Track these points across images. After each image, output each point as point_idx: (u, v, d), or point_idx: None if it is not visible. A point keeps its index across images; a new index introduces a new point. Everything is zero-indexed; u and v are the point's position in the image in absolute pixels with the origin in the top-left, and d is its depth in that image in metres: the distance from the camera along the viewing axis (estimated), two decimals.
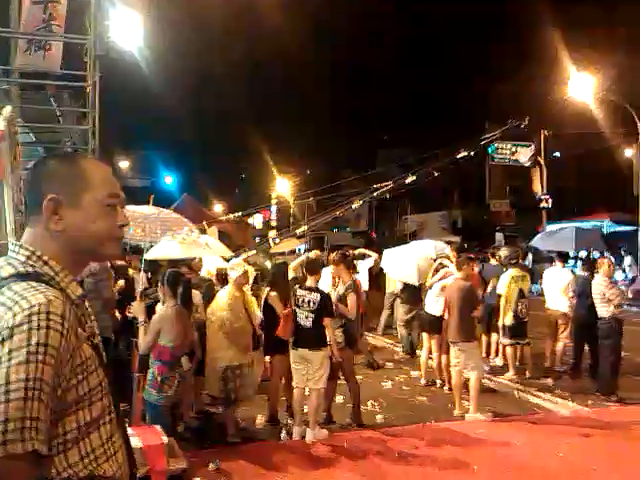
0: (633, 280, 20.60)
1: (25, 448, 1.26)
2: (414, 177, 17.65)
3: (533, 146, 23.11)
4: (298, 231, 15.47)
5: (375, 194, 21.44)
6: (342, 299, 7.12)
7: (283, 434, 6.67)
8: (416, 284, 9.96)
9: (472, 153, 20.10)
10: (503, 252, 10.28)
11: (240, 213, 19.85)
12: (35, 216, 1.55)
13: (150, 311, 6.46)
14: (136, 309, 5.97)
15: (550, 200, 24.00)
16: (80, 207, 1.56)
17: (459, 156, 18.42)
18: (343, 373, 7.22)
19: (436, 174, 18.69)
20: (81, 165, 1.61)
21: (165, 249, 8.13)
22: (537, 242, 15.14)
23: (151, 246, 8.00)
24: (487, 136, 26.17)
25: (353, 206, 23.89)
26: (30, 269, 1.48)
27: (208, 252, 8.66)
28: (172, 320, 5.54)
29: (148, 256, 8.08)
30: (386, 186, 19.01)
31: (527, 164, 23.36)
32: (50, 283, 1.46)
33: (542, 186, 23.35)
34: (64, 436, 1.41)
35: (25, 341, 1.31)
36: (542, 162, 24.20)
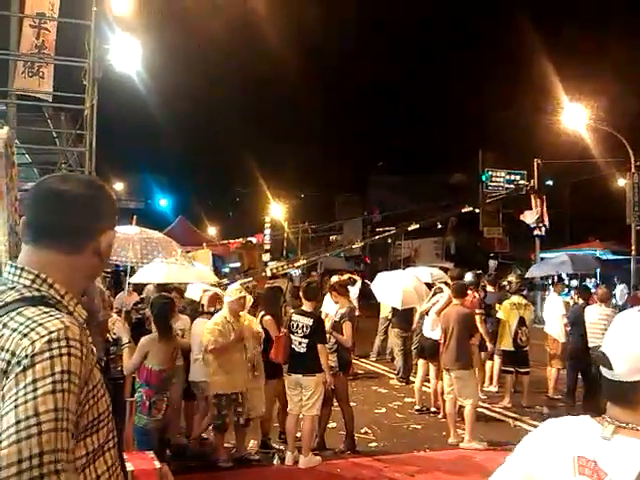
0: (623, 308, 20.64)
1: (59, 479, 1.23)
2: (417, 225, 17.99)
3: (539, 208, 23.40)
4: (297, 264, 15.43)
5: (377, 237, 21.91)
6: (337, 327, 7.09)
7: (276, 460, 6.59)
8: (399, 308, 9.99)
9: (476, 210, 20.41)
10: (513, 280, 10.36)
11: (242, 239, 19.89)
12: (60, 242, 1.51)
13: (138, 327, 6.48)
14: (120, 329, 5.93)
15: (544, 228, 24.11)
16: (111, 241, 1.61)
17: (464, 210, 18.68)
18: (337, 398, 7.16)
19: (439, 226, 19.02)
20: (112, 196, 1.64)
21: (151, 273, 8.07)
22: (533, 272, 15.40)
23: (134, 268, 7.96)
24: (492, 195, 26.62)
25: (354, 246, 24.18)
26: (36, 293, 1.44)
27: (194, 278, 8.54)
28: (159, 344, 5.56)
29: (134, 280, 8.04)
30: (389, 231, 19.37)
31: (533, 225, 23.73)
32: (57, 307, 1.43)
33: (539, 214, 23.48)
34: (73, 464, 1.36)
35: (49, 370, 1.28)
36: (536, 186, 24.34)
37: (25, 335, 1.32)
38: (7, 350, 1.31)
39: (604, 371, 1.45)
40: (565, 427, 1.50)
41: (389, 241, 38.30)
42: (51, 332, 1.32)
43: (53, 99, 10.24)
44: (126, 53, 11.93)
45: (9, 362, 1.29)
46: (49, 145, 11.49)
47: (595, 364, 1.50)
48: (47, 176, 1.68)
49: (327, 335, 6.87)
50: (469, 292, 9.06)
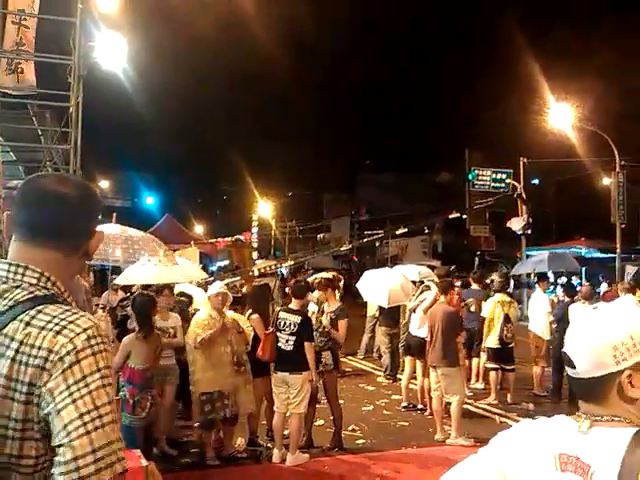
0: None
1: (123, 467, 1.33)
2: (405, 229, 18.24)
3: (526, 215, 23.55)
4: (285, 264, 15.38)
5: (365, 240, 22.25)
6: (333, 323, 7.11)
7: (263, 457, 6.61)
8: (385, 306, 9.99)
9: (463, 216, 20.63)
10: (496, 278, 10.42)
11: (231, 238, 19.82)
12: (59, 243, 1.53)
13: (123, 324, 6.47)
14: (104, 327, 5.92)
15: (529, 229, 24.28)
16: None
17: (451, 216, 18.86)
18: (326, 396, 7.17)
19: (426, 230, 19.09)
20: (99, 197, 1.69)
21: (138, 274, 8.00)
22: (518, 269, 15.70)
23: (119, 267, 7.92)
24: (480, 202, 26.91)
25: (342, 249, 24.45)
26: (46, 292, 1.46)
27: (181, 277, 8.49)
28: (141, 343, 5.55)
29: (120, 281, 7.96)
30: (377, 233, 19.64)
31: (519, 232, 23.90)
32: (64, 304, 1.46)
33: (525, 221, 23.64)
34: None
35: (94, 365, 1.36)
36: (523, 194, 24.44)
37: (58, 332, 1.36)
38: (39, 347, 1.35)
39: (569, 371, 1.46)
40: (541, 426, 1.51)
41: (374, 227, 38.47)
42: (85, 329, 1.38)
43: (38, 96, 10.16)
44: (112, 51, 11.87)
45: (46, 359, 1.34)
46: (34, 143, 11.40)
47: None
48: (37, 175, 1.69)
49: (316, 332, 6.88)
50: None
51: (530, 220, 23.73)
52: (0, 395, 1.33)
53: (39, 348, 1.34)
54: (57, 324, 1.37)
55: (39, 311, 1.39)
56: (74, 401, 1.30)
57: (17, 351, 1.35)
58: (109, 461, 1.30)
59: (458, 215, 18.52)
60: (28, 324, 1.37)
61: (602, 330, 1.40)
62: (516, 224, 24.05)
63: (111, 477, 1.29)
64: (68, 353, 1.33)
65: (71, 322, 1.38)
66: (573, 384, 1.47)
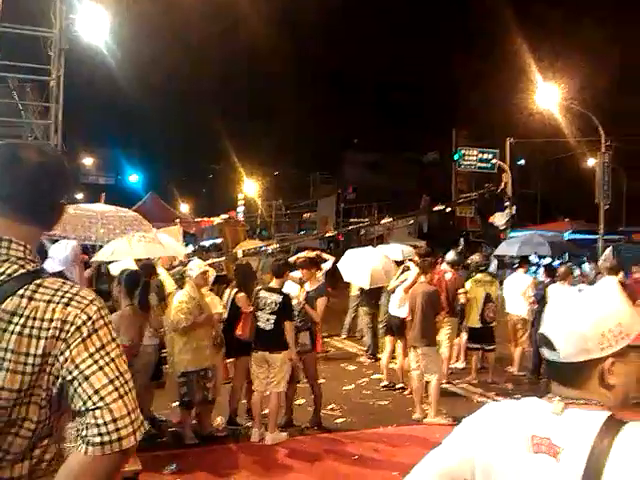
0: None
1: (145, 428, 1.42)
2: (391, 219, 18.31)
3: (508, 210, 23.54)
4: (270, 248, 15.18)
5: (350, 228, 22.57)
6: (310, 302, 7.09)
7: (242, 436, 6.62)
8: (366, 287, 9.95)
9: (448, 209, 20.67)
10: (474, 258, 10.42)
11: (227, 215, 19.66)
12: (41, 217, 1.53)
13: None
14: None
15: (514, 207, 24.34)
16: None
17: (435, 209, 18.86)
18: (306, 375, 7.19)
19: (411, 221, 19.02)
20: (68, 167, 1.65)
21: (119, 249, 7.95)
22: (506, 249, 15.84)
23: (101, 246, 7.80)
24: (464, 195, 26.93)
25: (327, 235, 24.79)
26: (35, 265, 1.47)
27: (163, 251, 8.45)
28: (130, 319, 5.51)
29: (98, 258, 7.87)
30: (362, 222, 19.79)
31: (502, 227, 23.92)
32: (58, 277, 1.49)
33: (509, 216, 23.69)
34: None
35: (109, 335, 1.42)
36: (508, 170, 24.47)
37: (67, 304, 1.40)
38: (51, 319, 1.38)
39: (547, 353, 1.43)
40: (510, 409, 1.48)
41: (359, 207, 38.55)
42: (92, 301, 1.43)
43: (18, 70, 10.00)
44: (94, 24, 11.65)
45: (61, 329, 1.38)
46: (14, 118, 11.24)
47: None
48: (11, 144, 1.63)
49: (296, 311, 6.88)
50: (451, 270, 9.17)
51: (514, 213, 23.75)
52: (10, 369, 1.35)
53: (50, 320, 1.37)
54: (62, 296, 1.40)
55: (38, 285, 1.41)
56: (101, 368, 1.37)
57: (24, 326, 1.37)
58: (139, 422, 1.39)
59: (443, 207, 18.49)
60: (31, 299, 1.39)
61: (591, 316, 1.37)
62: (499, 219, 24.09)
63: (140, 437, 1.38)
64: (84, 323, 1.38)
65: (75, 294, 1.42)
66: (550, 366, 1.45)
